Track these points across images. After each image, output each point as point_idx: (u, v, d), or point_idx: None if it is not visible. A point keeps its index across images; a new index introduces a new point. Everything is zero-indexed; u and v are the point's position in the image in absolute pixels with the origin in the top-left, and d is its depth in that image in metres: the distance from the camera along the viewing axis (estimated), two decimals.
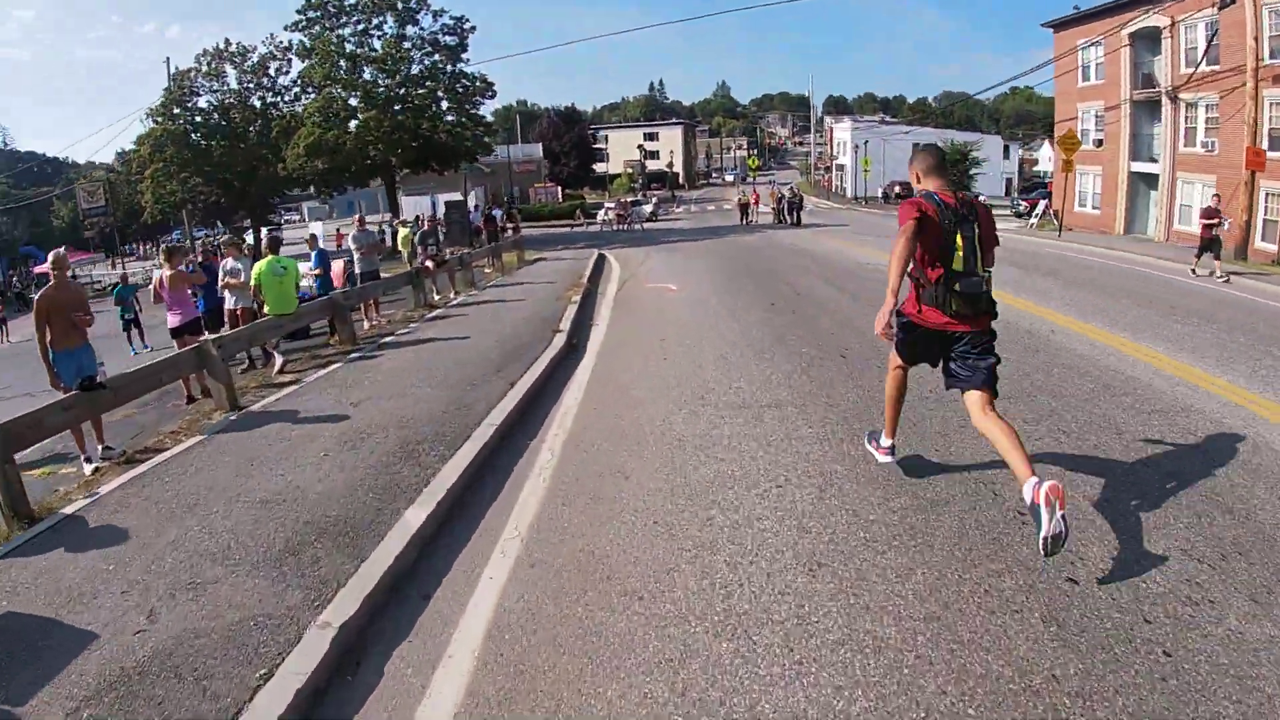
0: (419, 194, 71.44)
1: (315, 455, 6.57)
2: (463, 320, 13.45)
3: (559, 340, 10.55)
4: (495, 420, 7.01)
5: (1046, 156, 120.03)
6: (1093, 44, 32.29)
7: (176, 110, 42.05)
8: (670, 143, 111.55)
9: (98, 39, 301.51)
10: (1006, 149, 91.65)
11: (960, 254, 4.52)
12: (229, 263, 12.27)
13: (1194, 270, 17.92)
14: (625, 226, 43.41)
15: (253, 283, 11.36)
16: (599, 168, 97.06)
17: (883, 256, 19.33)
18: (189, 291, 10.88)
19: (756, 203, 44.71)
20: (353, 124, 38.20)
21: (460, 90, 40.00)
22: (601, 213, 49.26)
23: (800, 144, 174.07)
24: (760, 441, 6.26)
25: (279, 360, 10.81)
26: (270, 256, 11.45)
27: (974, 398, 4.62)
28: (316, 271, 14.80)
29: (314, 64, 38.25)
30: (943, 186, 4.72)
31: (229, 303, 12.19)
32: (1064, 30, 35.62)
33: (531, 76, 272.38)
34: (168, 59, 64.75)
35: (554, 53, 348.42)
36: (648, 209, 50.63)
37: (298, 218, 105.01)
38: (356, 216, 18.18)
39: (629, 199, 55.26)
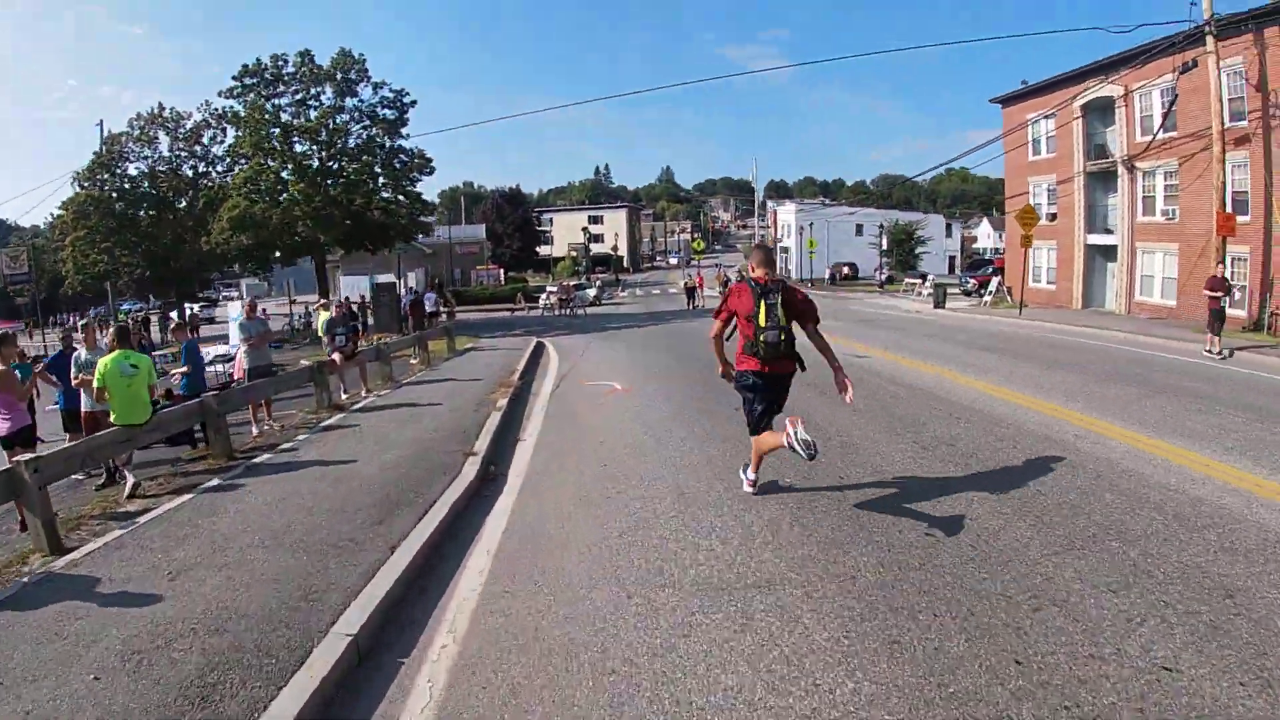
0: (360, 274, 69.20)
1: (83, 678, 4.22)
2: (359, 432, 10.97)
3: (471, 468, 8.23)
4: (352, 624, 4.65)
5: (985, 233, 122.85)
6: (1045, 117, 31.70)
7: (105, 176, 39.30)
8: (615, 225, 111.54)
9: (54, 100, 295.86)
10: (949, 227, 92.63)
11: (762, 316, 5.96)
12: (81, 354, 9.90)
13: (1207, 350, 16.63)
14: (568, 312, 41.17)
15: (96, 383, 8.86)
16: (543, 250, 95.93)
17: (845, 343, 17.96)
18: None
19: (702, 286, 43.39)
20: (283, 198, 35.68)
21: (397, 166, 37.84)
22: (544, 297, 47.22)
23: (744, 227, 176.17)
24: (754, 664, 4.04)
25: (129, 482, 8.44)
26: (117, 351, 8.97)
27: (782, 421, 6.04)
28: (183, 369, 12.46)
29: (244, 134, 35.73)
30: (767, 274, 6.15)
31: (84, 404, 9.81)
32: (1012, 105, 35.28)
33: (477, 158, 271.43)
34: (100, 122, 62.03)
35: (501, 136, 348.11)
36: (591, 293, 48.99)
37: (236, 295, 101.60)
38: (247, 301, 15.86)
39: (572, 283, 53.49)
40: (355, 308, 34.57)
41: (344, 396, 14.36)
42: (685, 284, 43.42)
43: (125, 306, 60.30)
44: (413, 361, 20.04)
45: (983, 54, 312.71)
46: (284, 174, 36.18)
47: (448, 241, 69.07)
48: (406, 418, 11.83)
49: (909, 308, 36.30)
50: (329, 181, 36.01)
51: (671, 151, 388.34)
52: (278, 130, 35.66)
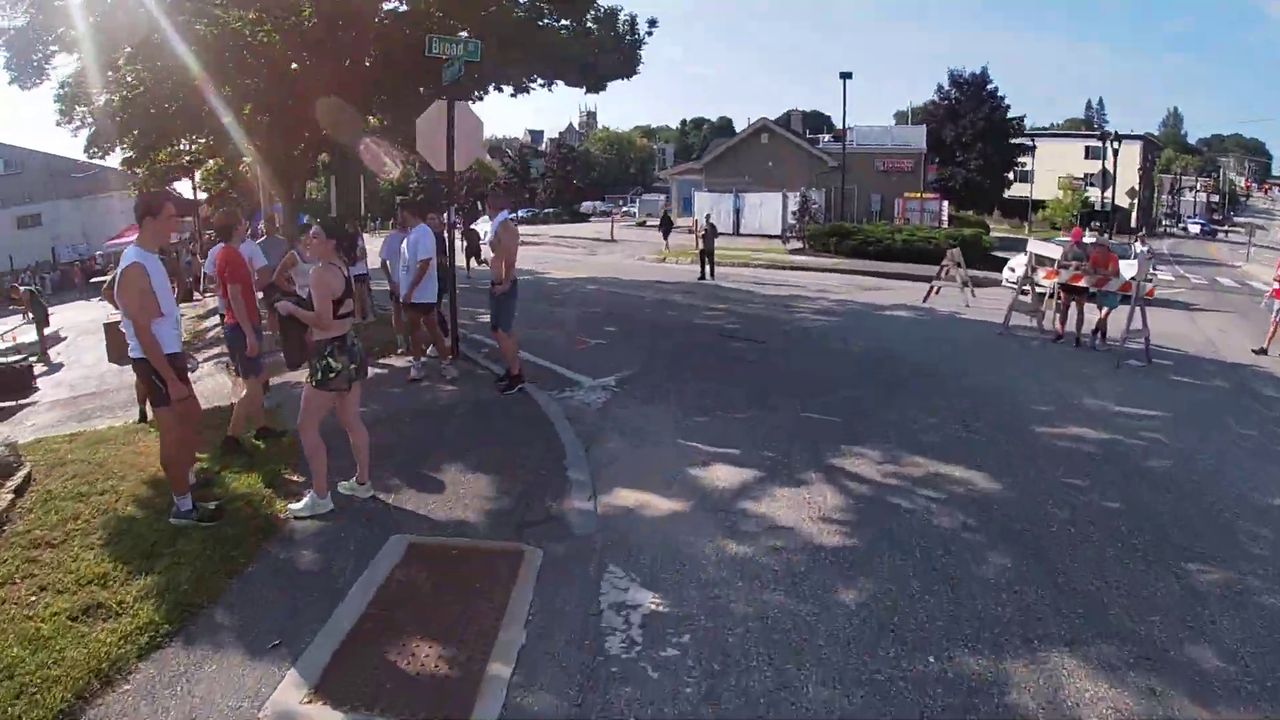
0: (723, 190, 47.49)
1: None
2: None
3: None
4: None
5: None
6: None
7: None
8: (1125, 164, 75.07)
9: None
10: None
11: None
12: None
13: None
14: (1096, 339, 12.99)
15: None
16: (1018, 190, 65.41)
17: None
18: None
19: None
20: None
21: None
22: (1009, 272, 20.82)
23: None
24: None
25: None
26: None
27: None
28: None
29: None
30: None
31: None
32: None
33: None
34: None
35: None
36: (1131, 270, 20.44)
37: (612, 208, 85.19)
38: None
39: (1090, 239, 20.62)
40: None
41: None
42: None
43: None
44: None
45: None
46: None
47: (860, 150, 44.07)
48: None
49: None
50: None
51: (1179, 94, 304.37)
52: None
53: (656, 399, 8.59)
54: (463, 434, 7.43)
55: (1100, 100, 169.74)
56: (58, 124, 17.21)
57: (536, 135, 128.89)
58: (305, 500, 5.72)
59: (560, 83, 17.15)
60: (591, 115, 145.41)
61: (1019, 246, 33.47)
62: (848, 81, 35.91)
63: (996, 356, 11.68)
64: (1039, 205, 65.67)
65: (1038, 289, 14.60)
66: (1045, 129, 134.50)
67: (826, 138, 55.92)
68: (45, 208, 45.03)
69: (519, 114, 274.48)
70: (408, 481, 6.24)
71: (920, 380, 9.78)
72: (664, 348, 11.64)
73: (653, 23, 17.52)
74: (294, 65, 14.86)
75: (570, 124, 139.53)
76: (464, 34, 14.70)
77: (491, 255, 8.96)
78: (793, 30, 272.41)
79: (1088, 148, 76.41)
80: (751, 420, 7.77)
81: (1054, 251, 15.32)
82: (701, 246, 22.78)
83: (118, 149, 16.18)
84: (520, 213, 74.74)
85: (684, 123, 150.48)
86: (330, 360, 5.60)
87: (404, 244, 9.43)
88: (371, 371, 10.50)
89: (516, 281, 8.79)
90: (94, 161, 17.86)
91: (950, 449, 6.97)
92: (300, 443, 5.75)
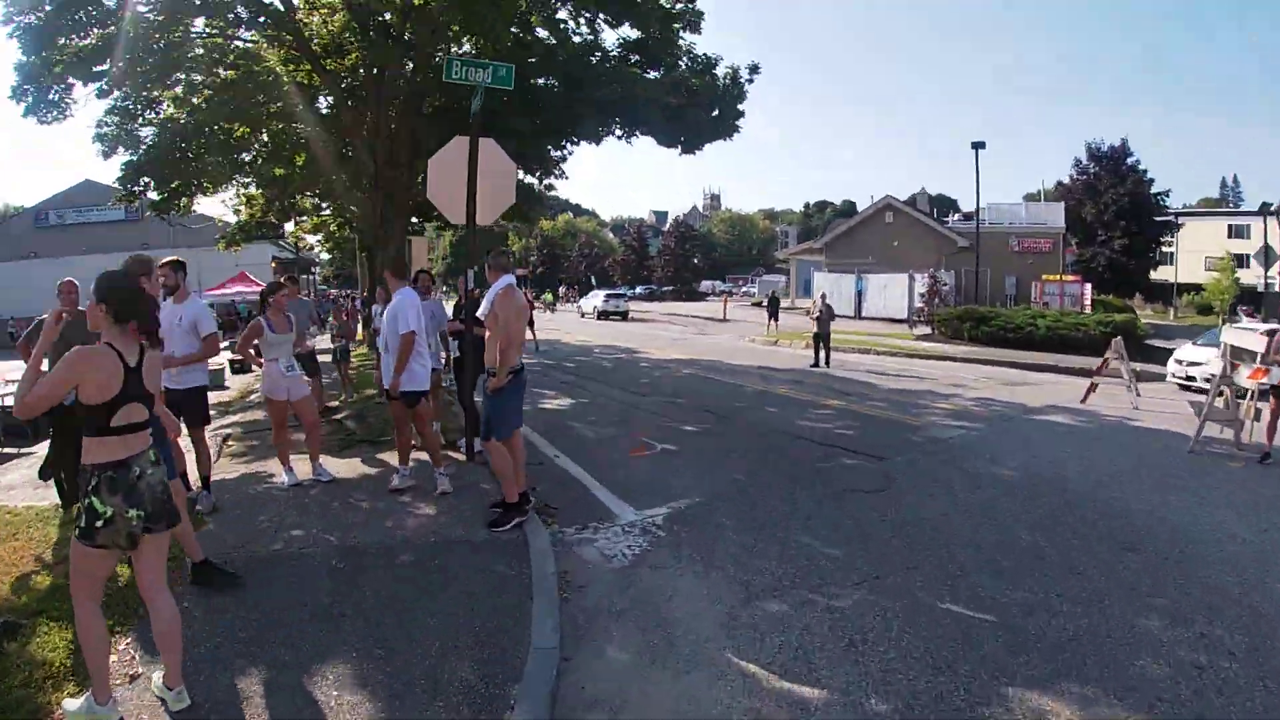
0: (845, 270, 44.47)
1: None
2: None
3: None
4: None
5: None
6: None
7: None
8: (1275, 241, 67.46)
9: None
10: None
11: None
12: None
13: None
14: None
15: None
16: (1161, 272, 59.55)
17: None
18: None
19: None
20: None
21: None
22: (1175, 365, 16.48)
23: None
24: None
25: None
26: None
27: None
28: None
29: None
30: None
31: None
32: None
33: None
34: None
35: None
36: None
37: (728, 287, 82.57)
38: None
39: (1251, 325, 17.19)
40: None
41: None
42: None
43: None
44: None
45: None
46: None
47: (993, 229, 40.35)
48: None
49: None
50: None
51: None
52: None
53: (713, 556, 5.88)
54: (392, 605, 4.82)
55: (1235, 177, 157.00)
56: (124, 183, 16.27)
57: (660, 216, 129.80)
58: (81, 701, 3.56)
59: (648, 137, 14.91)
60: (715, 198, 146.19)
61: (1170, 334, 29.35)
62: (980, 152, 32.80)
63: (1197, 488, 8.26)
64: (1188, 289, 59.79)
65: (1234, 391, 11.15)
66: (1180, 210, 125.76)
67: (956, 217, 52.29)
68: (161, 254, 46.83)
69: (645, 196, 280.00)
70: (257, 686, 3.85)
71: (1107, 533, 6.64)
72: (747, 463, 8.88)
73: (754, 69, 15.17)
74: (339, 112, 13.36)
75: (694, 206, 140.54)
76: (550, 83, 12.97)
77: (487, 334, 6.34)
78: (919, 113, 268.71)
79: (1230, 226, 69.80)
80: (854, 614, 4.91)
81: (1256, 343, 11.92)
82: (816, 330, 19.94)
83: (151, 192, 14.80)
84: (638, 289, 73.46)
85: (807, 205, 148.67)
86: (95, 501, 3.28)
87: (383, 315, 7.08)
88: (361, 470, 8.18)
89: (522, 370, 6.30)
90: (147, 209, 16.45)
91: (1189, 700, 3.94)
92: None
